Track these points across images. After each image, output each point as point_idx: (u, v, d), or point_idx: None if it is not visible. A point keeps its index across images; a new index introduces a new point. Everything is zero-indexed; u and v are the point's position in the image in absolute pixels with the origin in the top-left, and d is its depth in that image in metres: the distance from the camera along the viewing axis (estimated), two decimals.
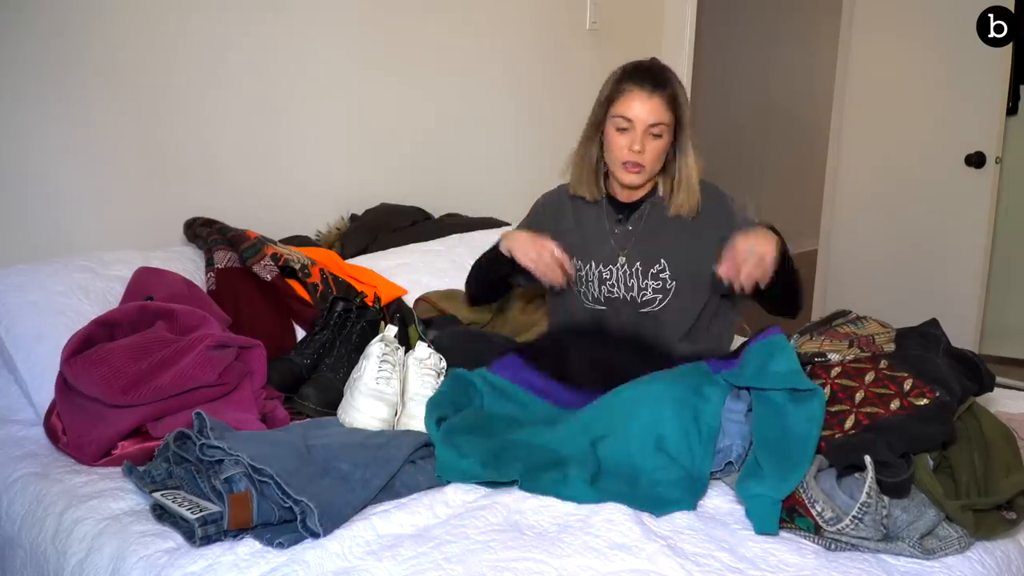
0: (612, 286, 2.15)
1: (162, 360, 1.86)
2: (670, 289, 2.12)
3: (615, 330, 2.14)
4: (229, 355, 1.92)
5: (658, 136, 2.06)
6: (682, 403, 1.75)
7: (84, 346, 1.87)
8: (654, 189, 2.17)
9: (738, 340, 2.32)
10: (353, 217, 2.93)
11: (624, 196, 2.18)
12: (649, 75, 2.06)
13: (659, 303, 2.13)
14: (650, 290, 2.13)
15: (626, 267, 2.14)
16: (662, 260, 2.13)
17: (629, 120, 2.04)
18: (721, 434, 1.74)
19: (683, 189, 2.10)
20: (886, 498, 1.54)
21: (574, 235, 2.20)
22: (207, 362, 1.86)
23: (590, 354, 2.03)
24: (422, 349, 2.00)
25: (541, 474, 1.70)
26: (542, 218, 2.28)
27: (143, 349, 1.87)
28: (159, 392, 1.82)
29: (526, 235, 2.14)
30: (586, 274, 2.17)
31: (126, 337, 1.92)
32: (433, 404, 1.88)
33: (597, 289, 2.17)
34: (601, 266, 2.16)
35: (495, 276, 2.24)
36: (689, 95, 3.95)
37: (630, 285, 2.14)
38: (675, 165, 2.12)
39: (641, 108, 2.03)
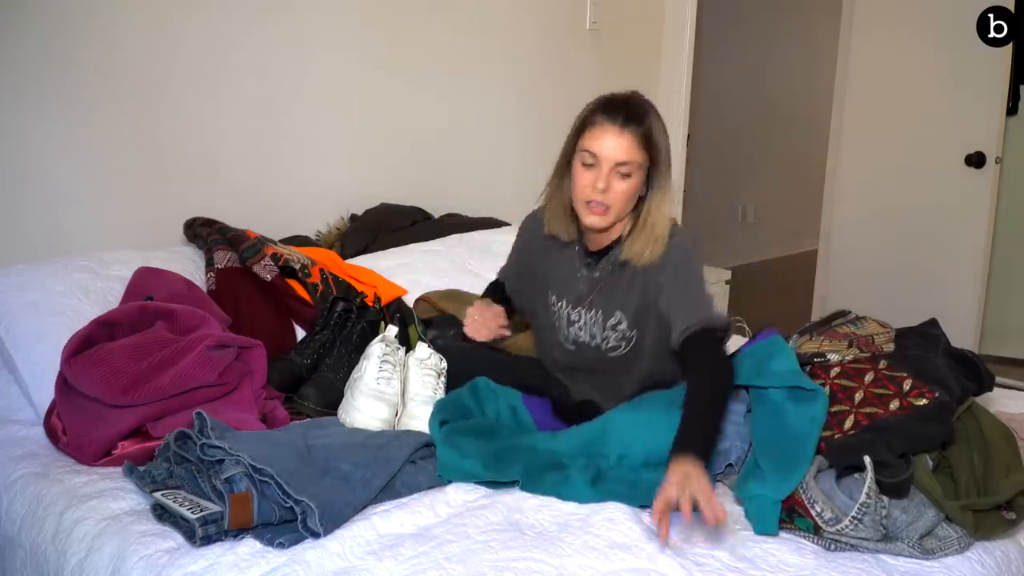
0: (580, 329, 2.03)
1: (162, 360, 1.86)
2: (631, 337, 1.99)
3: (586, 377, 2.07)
4: (229, 355, 1.92)
5: (627, 176, 1.86)
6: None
7: (84, 346, 1.87)
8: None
9: (737, 340, 2.32)
10: (353, 217, 2.93)
11: (592, 244, 2.01)
12: (623, 108, 1.87)
13: (624, 348, 2.00)
14: (612, 339, 2.00)
15: (591, 314, 2.01)
16: (618, 312, 1.98)
17: (595, 156, 1.85)
18: (721, 436, 1.74)
19: (643, 236, 1.91)
20: (885, 498, 1.54)
21: (551, 267, 2.10)
22: (207, 362, 1.86)
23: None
24: (422, 349, 2.00)
25: (542, 475, 1.71)
26: (530, 241, 2.17)
27: (143, 349, 1.87)
28: (159, 392, 1.82)
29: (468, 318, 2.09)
30: (558, 310, 2.07)
31: (126, 337, 1.92)
32: (440, 407, 1.88)
33: (567, 329, 2.05)
34: (570, 307, 2.04)
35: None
36: (689, 95, 4.00)
37: (594, 333, 2.01)
38: (641, 206, 1.93)
39: (609, 144, 1.84)
